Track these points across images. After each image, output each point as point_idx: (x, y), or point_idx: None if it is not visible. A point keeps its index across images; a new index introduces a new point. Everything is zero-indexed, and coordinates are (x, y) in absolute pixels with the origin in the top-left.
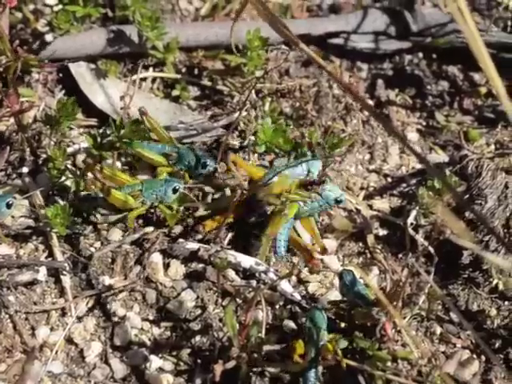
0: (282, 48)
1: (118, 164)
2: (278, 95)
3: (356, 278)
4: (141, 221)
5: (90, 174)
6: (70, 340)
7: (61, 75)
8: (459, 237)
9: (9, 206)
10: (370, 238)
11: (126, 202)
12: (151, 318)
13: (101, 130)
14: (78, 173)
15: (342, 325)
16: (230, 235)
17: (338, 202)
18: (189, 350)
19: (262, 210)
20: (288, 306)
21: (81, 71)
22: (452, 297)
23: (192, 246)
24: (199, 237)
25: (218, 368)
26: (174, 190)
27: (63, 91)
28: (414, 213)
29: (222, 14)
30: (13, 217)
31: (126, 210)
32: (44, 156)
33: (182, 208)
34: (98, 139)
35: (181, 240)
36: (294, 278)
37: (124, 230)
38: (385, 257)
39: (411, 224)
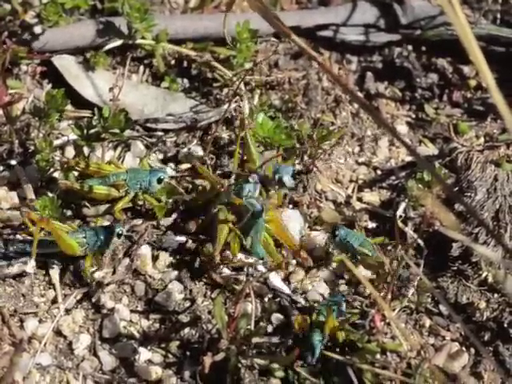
0: (271, 40)
1: (110, 153)
2: (267, 87)
3: (349, 232)
4: (129, 213)
5: (62, 184)
6: (58, 332)
7: (49, 67)
8: (449, 229)
9: (160, 180)
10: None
11: (109, 194)
12: (140, 310)
13: (88, 121)
14: (66, 165)
15: None
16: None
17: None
18: (178, 342)
19: None
20: (277, 298)
21: (65, 64)
22: (441, 289)
23: (181, 238)
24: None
25: (207, 360)
26: (159, 180)
27: (52, 83)
28: (403, 205)
29: (211, 6)
30: (1, 209)
31: (111, 201)
32: (33, 148)
33: (170, 200)
34: (85, 130)
35: (169, 232)
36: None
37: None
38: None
39: (400, 216)
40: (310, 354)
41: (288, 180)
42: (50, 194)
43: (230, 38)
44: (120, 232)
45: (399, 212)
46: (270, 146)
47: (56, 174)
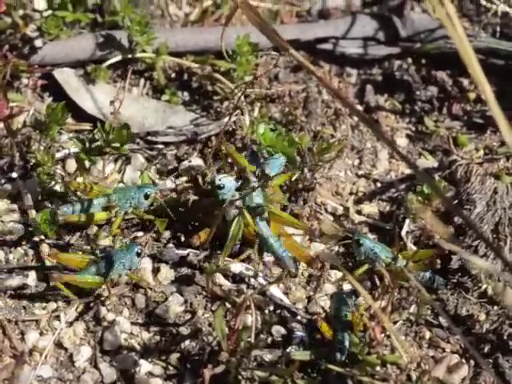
0: (271, 53)
1: (111, 166)
2: (268, 100)
3: (374, 242)
4: (130, 225)
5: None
6: (59, 344)
7: (50, 80)
8: (447, 242)
9: (147, 196)
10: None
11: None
12: (141, 322)
13: (89, 135)
14: (67, 178)
15: None
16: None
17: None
18: (178, 355)
19: None
20: (277, 310)
21: (66, 77)
22: (441, 301)
23: (181, 251)
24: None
25: (208, 372)
26: (146, 196)
27: (52, 96)
28: (407, 222)
29: (212, 19)
30: (2, 222)
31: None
32: (33, 161)
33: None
34: (87, 144)
35: (170, 245)
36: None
37: (113, 235)
38: (374, 262)
39: (400, 228)
40: (338, 351)
41: (270, 171)
42: (51, 207)
43: (231, 51)
44: (139, 251)
45: (404, 229)
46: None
47: (57, 187)
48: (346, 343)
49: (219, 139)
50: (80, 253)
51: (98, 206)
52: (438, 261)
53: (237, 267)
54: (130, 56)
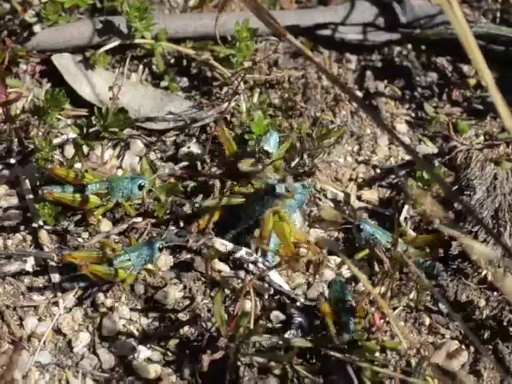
0: (270, 39)
1: (109, 152)
2: (267, 86)
3: (375, 228)
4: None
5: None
6: (58, 330)
7: (49, 66)
8: (447, 228)
9: (140, 187)
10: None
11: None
12: (139, 308)
13: (87, 120)
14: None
15: None
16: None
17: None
18: (177, 341)
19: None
20: (276, 296)
21: (64, 63)
22: (441, 287)
23: (181, 236)
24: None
25: (206, 358)
26: (140, 187)
27: (51, 82)
28: (406, 207)
29: (211, 5)
30: (1, 207)
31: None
32: (32, 147)
33: (170, 199)
34: (84, 129)
35: (170, 231)
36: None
37: (113, 221)
38: (373, 247)
39: (405, 218)
40: (344, 332)
41: (269, 147)
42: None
43: (230, 36)
44: (160, 246)
45: (403, 214)
46: None
47: None
48: (351, 326)
49: (218, 125)
50: (91, 251)
51: (90, 191)
52: (441, 250)
53: (238, 251)
54: (128, 42)
